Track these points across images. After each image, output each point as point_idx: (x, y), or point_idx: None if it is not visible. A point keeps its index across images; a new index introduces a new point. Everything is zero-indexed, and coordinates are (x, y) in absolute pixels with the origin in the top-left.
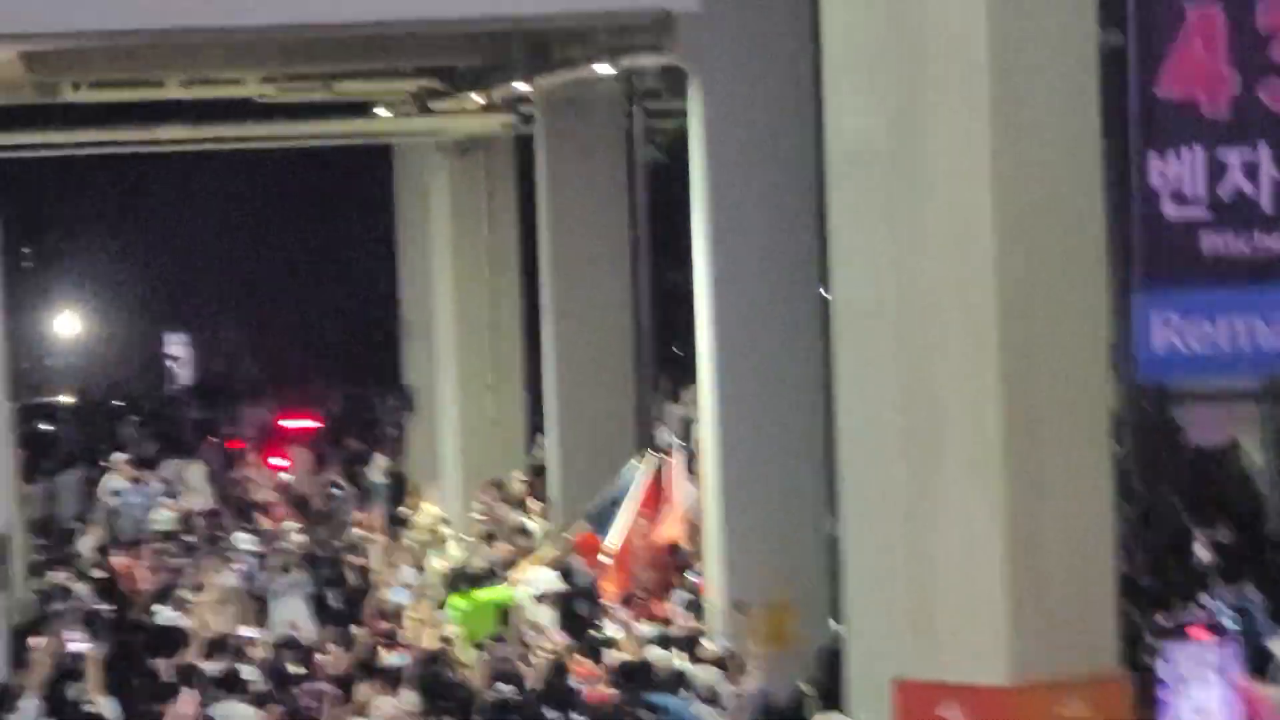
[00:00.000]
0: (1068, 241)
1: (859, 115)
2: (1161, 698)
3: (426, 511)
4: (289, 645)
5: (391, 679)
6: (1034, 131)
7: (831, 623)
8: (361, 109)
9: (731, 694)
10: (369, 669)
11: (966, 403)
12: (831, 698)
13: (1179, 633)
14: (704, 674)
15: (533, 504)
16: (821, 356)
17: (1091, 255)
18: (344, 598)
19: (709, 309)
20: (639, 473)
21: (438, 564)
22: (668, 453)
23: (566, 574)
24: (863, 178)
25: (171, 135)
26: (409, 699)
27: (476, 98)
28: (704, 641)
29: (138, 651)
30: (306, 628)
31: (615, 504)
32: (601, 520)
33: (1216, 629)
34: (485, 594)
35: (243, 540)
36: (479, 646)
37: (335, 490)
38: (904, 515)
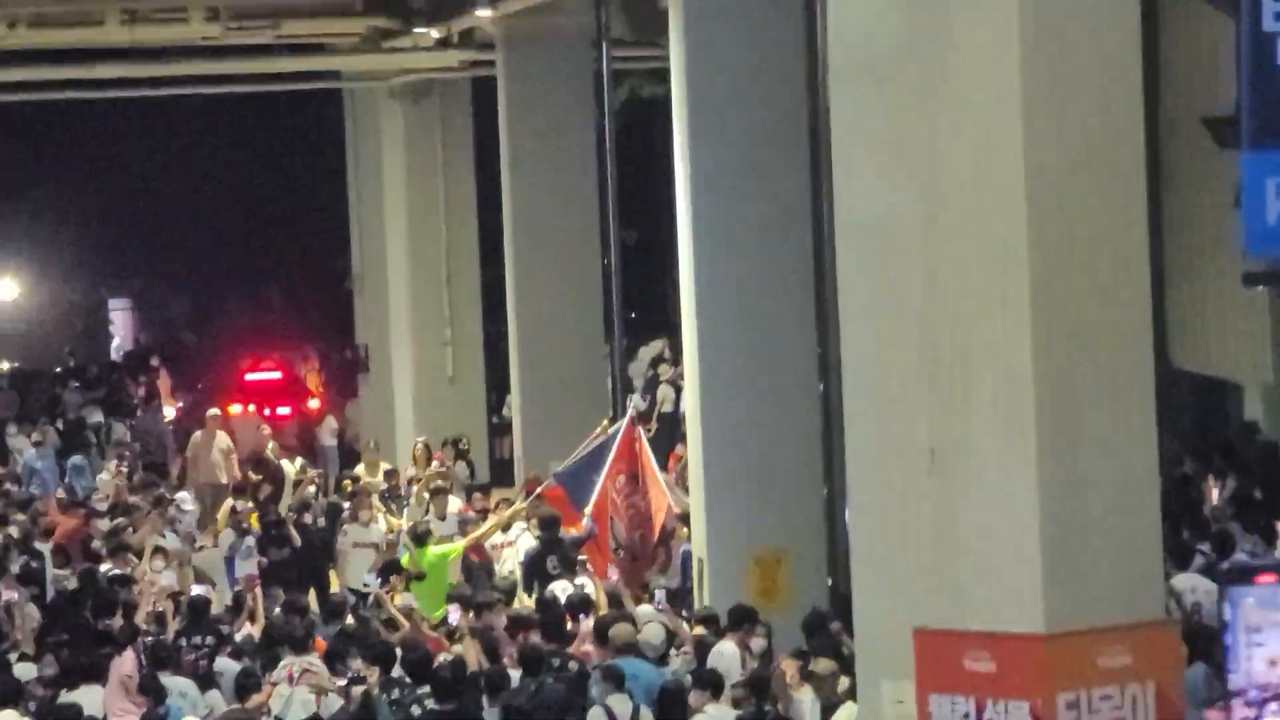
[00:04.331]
0: (1107, 159)
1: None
2: (1228, 646)
3: (375, 475)
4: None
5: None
6: (1069, 37)
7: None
8: (310, 50)
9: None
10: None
11: (996, 342)
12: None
13: (1244, 577)
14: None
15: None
16: (814, 317)
17: (1133, 171)
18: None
19: (691, 256)
20: (613, 432)
21: (391, 523)
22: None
23: (546, 526)
24: (868, 93)
25: (111, 74)
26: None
27: (432, 32)
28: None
29: (78, 611)
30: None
31: (590, 464)
32: (574, 480)
33: None
34: (436, 551)
35: (185, 501)
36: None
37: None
38: (924, 464)
